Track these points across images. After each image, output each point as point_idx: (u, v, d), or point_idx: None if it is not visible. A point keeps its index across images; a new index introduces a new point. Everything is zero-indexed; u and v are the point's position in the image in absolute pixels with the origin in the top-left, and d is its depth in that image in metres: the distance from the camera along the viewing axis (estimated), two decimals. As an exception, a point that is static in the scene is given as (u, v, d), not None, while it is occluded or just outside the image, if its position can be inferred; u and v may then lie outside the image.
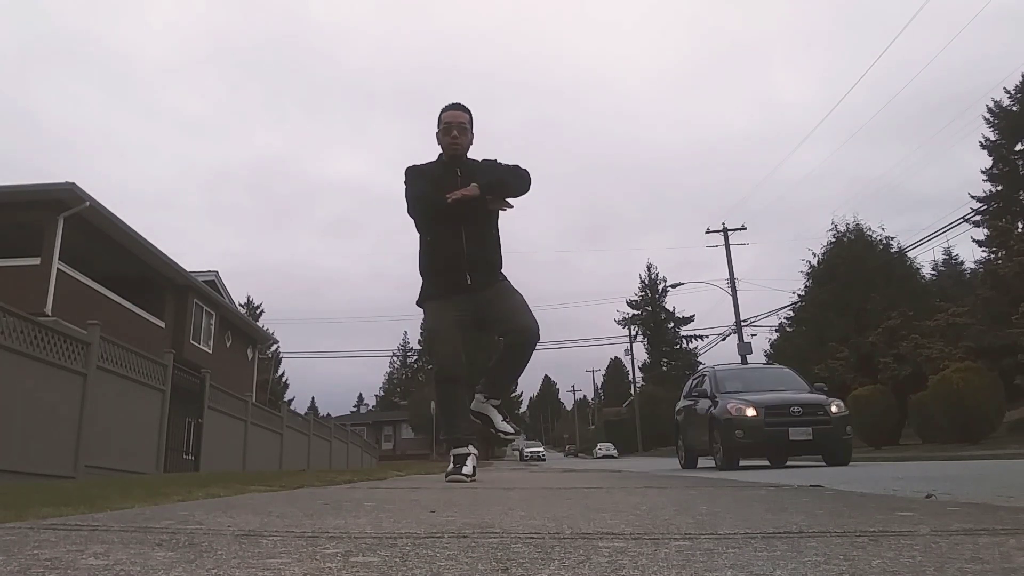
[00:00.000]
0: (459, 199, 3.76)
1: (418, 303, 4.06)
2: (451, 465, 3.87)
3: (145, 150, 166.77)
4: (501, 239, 4.15)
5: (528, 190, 4.08)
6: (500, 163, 4.14)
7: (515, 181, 4.03)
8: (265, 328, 30.85)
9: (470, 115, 4.10)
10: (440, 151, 4.11)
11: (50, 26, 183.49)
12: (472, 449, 3.90)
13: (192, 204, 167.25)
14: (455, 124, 4.01)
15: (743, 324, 33.31)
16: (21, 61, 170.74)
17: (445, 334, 3.90)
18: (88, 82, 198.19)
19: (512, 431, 3.94)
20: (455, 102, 4.12)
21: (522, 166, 4.10)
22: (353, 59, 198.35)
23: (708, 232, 34.59)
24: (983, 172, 34.35)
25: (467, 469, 3.80)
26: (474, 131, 4.11)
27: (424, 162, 4.14)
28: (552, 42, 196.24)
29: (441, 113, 4.09)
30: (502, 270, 4.12)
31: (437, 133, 4.09)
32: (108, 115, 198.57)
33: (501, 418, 3.98)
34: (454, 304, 3.92)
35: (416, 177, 4.07)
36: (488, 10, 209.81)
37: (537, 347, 3.99)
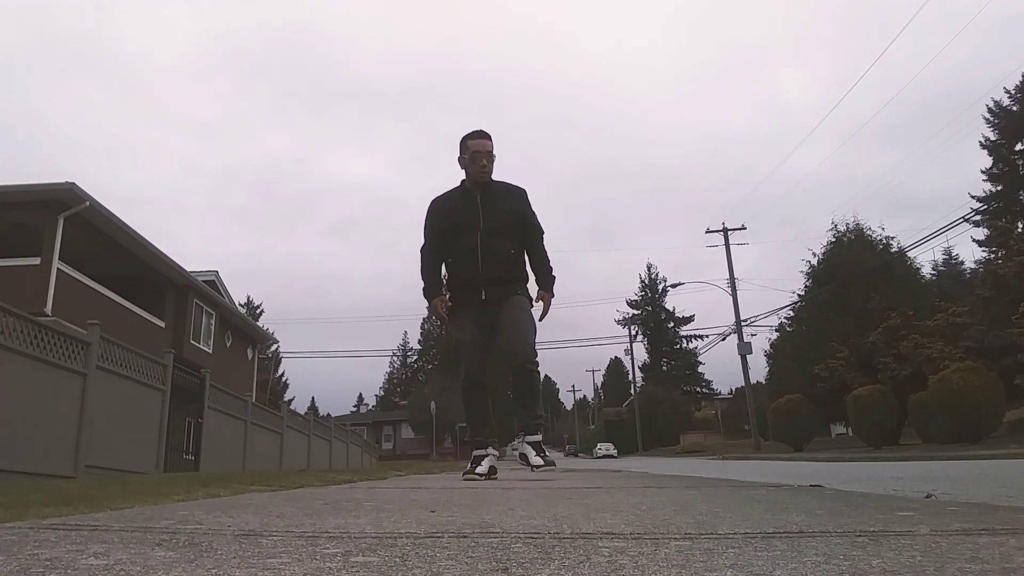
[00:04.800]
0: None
1: (449, 318, 4.39)
2: (469, 464, 4.20)
3: (152, 152, 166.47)
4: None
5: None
6: (525, 196, 4.39)
7: (549, 265, 4.41)
8: (265, 328, 30.85)
9: (492, 141, 4.30)
10: (463, 176, 4.31)
11: (58, 28, 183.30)
12: (491, 451, 4.23)
13: (197, 205, 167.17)
14: (483, 153, 4.20)
15: (743, 324, 33.32)
16: (29, 63, 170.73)
17: (469, 347, 4.27)
18: (96, 84, 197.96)
19: (542, 463, 4.05)
20: (479, 129, 4.32)
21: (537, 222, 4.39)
22: (360, 61, 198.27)
23: (708, 232, 34.66)
24: (983, 172, 34.42)
25: (481, 469, 4.09)
26: (495, 154, 4.33)
27: (446, 191, 4.39)
28: (557, 45, 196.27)
29: (467, 140, 4.26)
30: (526, 284, 4.37)
31: (461, 158, 4.27)
32: (116, 117, 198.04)
33: (534, 453, 4.10)
34: (475, 317, 4.24)
35: (431, 220, 4.34)
36: (494, 14, 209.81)
37: (536, 369, 4.21)
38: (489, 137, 4.29)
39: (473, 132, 4.29)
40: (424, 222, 4.38)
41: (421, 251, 4.35)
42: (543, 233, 4.42)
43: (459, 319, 4.30)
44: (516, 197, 4.36)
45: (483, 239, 4.15)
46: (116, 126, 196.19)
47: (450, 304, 4.27)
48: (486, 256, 4.15)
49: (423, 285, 4.33)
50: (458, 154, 4.30)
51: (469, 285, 4.22)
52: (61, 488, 3.63)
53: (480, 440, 4.28)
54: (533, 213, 4.39)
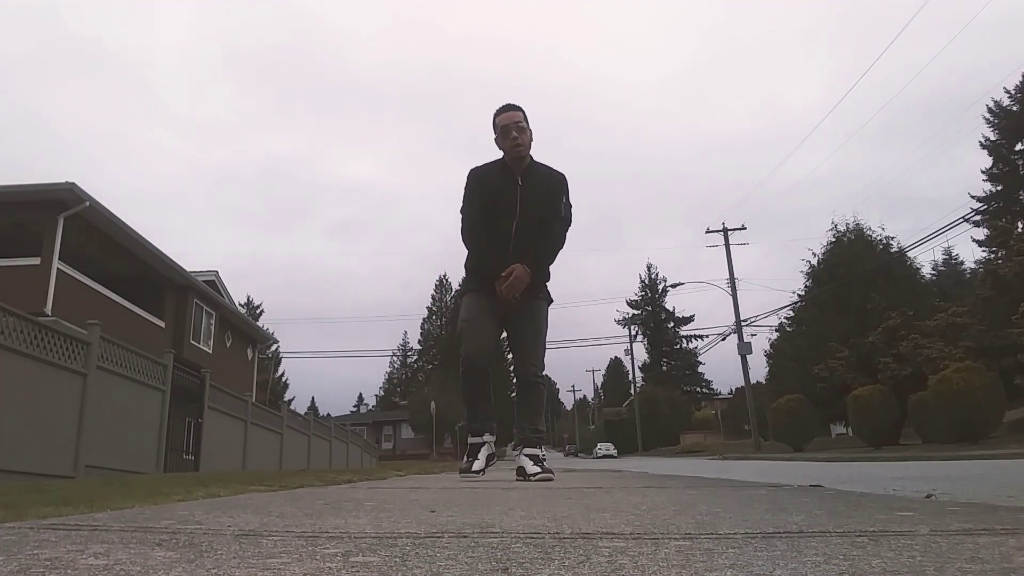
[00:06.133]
0: (508, 288, 3.86)
1: (458, 297, 4.12)
2: (465, 458, 4.06)
3: (152, 152, 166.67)
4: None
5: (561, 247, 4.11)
6: (565, 183, 4.07)
7: (553, 255, 4.08)
8: (265, 328, 30.86)
9: (524, 112, 4.00)
10: (502, 154, 4.02)
11: (62, 31, 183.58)
12: (488, 437, 4.05)
13: (197, 205, 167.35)
14: (512, 125, 3.91)
15: (743, 324, 33.33)
16: (34, 65, 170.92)
17: (476, 326, 3.98)
18: (100, 86, 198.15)
19: (539, 471, 3.81)
20: (507, 103, 4.02)
21: (564, 213, 4.06)
22: (363, 63, 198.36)
23: (708, 232, 34.68)
24: (983, 172, 34.41)
25: (478, 464, 3.97)
26: (531, 127, 4.00)
27: (486, 163, 4.07)
28: (558, 46, 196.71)
29: (495, 117, 3.99)
30: (546, 284, 4.17)
31: (496, 138, 3.99)
32: (116, 117, 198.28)
33: (532, 463, 3.90)
34: (489, 300, 3.97)
35: (473, 191, 3.99)
36: (497, 15, 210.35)
37: (543, 386, 4.06)
38: (518, 109, 3.97)
39: (500, 107, 4.00)
40: (464, 192, 4.03)
41: (467, 226, 3.99)
42: (568, 225, 4.08)
43: (474, 299, 4.05)
44: (555, 183, 4.03)
45: (517, 231, 3.90)
46: (117, 126, 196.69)
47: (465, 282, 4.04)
48: (517, 251, 3.92)
49: (481, 259, 3.98)
50: (493, 136, 4.00)
51: (493, 277, 3.95)
52: (61, 488, 3.63)
53: (476, 427, 4.07)
54: (568, 205, 4.05)
